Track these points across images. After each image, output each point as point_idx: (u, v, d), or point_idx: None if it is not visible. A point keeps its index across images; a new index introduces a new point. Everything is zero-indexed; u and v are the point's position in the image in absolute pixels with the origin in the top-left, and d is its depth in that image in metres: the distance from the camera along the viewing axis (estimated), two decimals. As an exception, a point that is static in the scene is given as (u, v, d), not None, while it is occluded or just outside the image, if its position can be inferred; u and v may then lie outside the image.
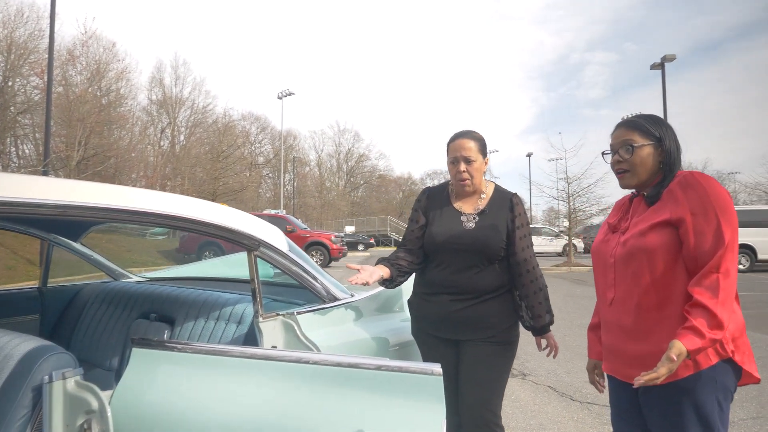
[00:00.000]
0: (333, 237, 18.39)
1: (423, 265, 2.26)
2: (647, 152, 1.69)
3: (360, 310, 2.38)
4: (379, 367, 1.34)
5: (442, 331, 2.16)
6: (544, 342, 2.24)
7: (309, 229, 20.58)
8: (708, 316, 1.45)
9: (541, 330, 2.20)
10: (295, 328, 2.02)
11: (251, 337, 2.14)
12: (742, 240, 15.71)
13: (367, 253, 32.66)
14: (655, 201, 1.65)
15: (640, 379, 1.44)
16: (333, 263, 18.68)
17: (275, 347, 2.01)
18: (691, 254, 1.54)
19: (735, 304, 1.56)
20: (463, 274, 2.11)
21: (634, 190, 1.79)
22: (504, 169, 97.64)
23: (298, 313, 2.06)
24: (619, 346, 1.71)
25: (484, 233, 2.12)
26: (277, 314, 2.04)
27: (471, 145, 2.17)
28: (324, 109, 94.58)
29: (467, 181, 2.17)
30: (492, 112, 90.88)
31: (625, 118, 1.78)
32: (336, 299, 2.29)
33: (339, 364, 1.38)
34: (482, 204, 2.21)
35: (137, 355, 1.52)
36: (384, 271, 2.13)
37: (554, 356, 2.25)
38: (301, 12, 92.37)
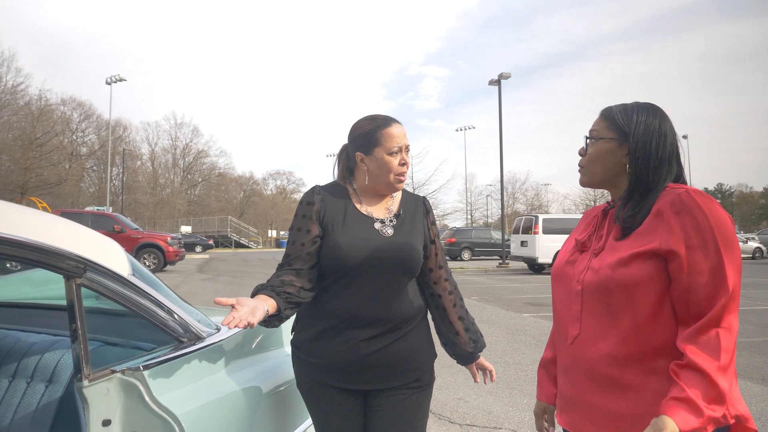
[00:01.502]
0: (169, 238, 16.71)
1: (315, 292, 1.69)
2: (605, 148, 1.34)
3: (228, 352, 1.78)
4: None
5: (351, 382, 1.63)
6: (476, 368, 1.85)
7: (141, 229, 18.63)
8: (706, 386, 1.11)
9: (474, 356, 1.82)
10: (142, 390, 1.37)
11: (69, 406, 1.44)
12: (558, 247, 16.24)
13: (205, 255, 30.72)
14: (629, 229, 1.28)
15: None
16: (168, 267, 17.11)
17: (109, 422, 1.35)
18: (682, 297, 1.19)
19: None
20: (380, 299, 1.62)
21: (609, 201, 1.42)
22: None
23: (145, 367, 1.41)
24: (584, 397, 1.32)
25: (406, 241, 1.67)
26: (113, 370, 1.37)
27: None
28: (159, 99, 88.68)
29: (405, 177, 1.72)
30: (336, 118, 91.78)
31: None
32: (198, 338, 1.67)
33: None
34: (394, 206, 1.75)
35: None
36: (268, 304, 1.50)
37: (492, 379, 1.87)
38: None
